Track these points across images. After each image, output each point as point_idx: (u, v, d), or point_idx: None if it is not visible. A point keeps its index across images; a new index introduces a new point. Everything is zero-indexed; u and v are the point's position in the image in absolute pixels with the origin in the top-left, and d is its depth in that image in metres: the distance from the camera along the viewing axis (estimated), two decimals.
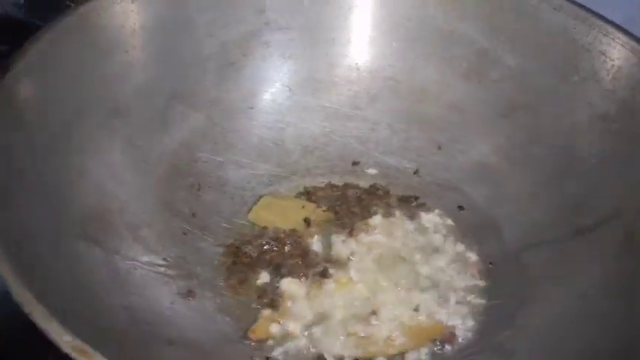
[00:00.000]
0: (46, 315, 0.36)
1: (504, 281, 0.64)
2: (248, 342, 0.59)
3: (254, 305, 0.62)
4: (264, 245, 0.67)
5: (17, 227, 0.47)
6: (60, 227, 0.54)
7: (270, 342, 0.59)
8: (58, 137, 0.59)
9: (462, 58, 0.75)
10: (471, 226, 0.70)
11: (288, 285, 0.63)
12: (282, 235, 0.68)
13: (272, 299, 0.62)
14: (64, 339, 0.35)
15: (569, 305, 0.58)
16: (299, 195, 0.74)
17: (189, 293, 0.62)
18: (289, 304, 0.62)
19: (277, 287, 0.63)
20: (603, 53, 0.65)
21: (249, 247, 0.67)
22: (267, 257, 0.66)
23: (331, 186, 0.75)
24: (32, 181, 0.53)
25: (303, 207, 0.72)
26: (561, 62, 0.68)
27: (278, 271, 0.65)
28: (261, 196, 0.73)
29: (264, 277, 0.64)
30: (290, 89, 0.78)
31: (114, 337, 0.46)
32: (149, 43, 0.69)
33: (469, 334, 0.60)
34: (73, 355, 0.34)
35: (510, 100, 0.73)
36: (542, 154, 0.70)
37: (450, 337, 0.59)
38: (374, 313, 0.61)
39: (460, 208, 0.72)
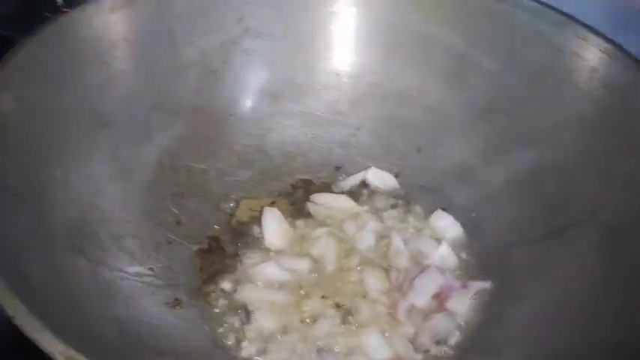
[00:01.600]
0: (39, 327, 0.36)
1: (489, 281, 0.65)
2: (236, 351, 0.59)
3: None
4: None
5: (3, 242, 0.47)
6: (45, 240, 0.54)
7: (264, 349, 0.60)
8: (40, 150, 0.59)
9: (441, 62, 0.76)
10: None
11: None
12: None
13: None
14: (57, 349, 0.35)
15: (552, 303, 0.59)
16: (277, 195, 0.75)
17: (175, 302, 0.62)
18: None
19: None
20: (577, 54, 0.66)
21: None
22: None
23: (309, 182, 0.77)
24: (15, 195, 0.53)
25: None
26: (537, 64, 0.70)
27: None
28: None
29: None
30: (271, 96, 0.79)
31: (104, 347, 0.46)
32: (129, 53, 0.69)
33: (456, 334, 0.61)
34: None
35: (488, 102, 0.74)
36: (521, 154, 0.71)
37: None
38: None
39: (442, 209, 0.73)
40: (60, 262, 0.54)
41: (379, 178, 0.76)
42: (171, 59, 0.73)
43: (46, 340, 0.36)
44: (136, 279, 0.61)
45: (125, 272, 0.60)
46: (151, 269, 0.63)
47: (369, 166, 0.77)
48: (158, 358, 0.52)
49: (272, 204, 0.73)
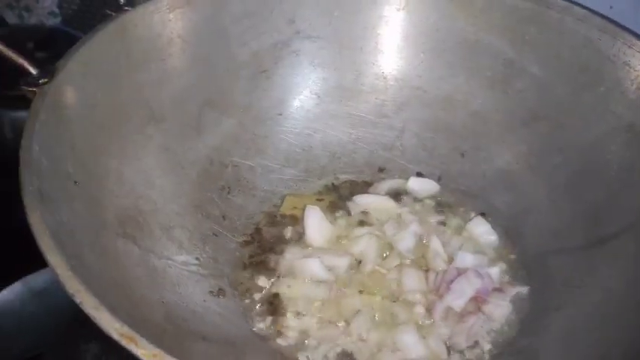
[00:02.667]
0: (96, 304, 0.39)
1: (528, 287, 0.65)
2: (274, 342, 0.62)
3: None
4: None
5: (62, 226, 0.50)
6: (100, 226, 0.57)
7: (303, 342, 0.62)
8: (97, 142, 0.62)
9: (487, 68, 0.76)
10: None
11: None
12: None
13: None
14: (114, 326, 0.37)
15: (590, 312, 0.59)
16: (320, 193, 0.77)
17: (219, 292, 0.64)
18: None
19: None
20: (627, 64, 0.66)
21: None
22: None
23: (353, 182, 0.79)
24: (75, 183, 0.56)
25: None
26: (585, 73, 0.69)
27: None
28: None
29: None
30: (318, 97, 0.81)
31: (152, 330, 0.49)
32: (185, 51, 0.72)
33: (492, 338, 0.62)
34: (122, 342, 0.37)
35: (533, 109, 0.74)
36: (564, 162, 0.71)
37: None
38: None
39: (482, 215, 0.73)
40: (113, 247, 0.57)
41: (420, 185, 0.77)
42: (225, 59, 0.76)
43: (103, 317, 0.38)
44: (183, 267, 0.63)
45: (173, 260, 0.63)
46: (197, 259, 0.66)
47: (412, 169, 0.78)
48: (202, 343, 0.55)
49: (315, 202, 0.75)
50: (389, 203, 0.75)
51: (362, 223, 0.73)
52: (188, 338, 0.54)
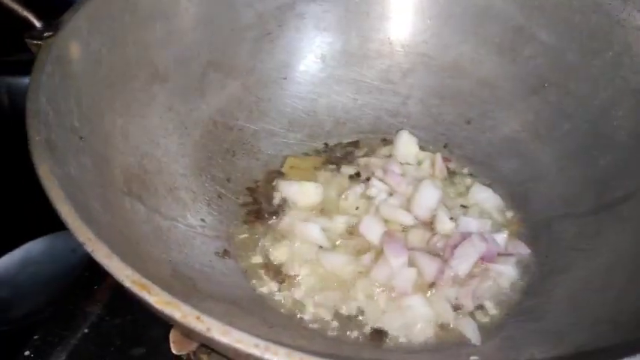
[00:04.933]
0: (107, 252, 0.38)
1: (533, 251, 0.65)
2: (276, 302, 0.61)
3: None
4: None
5: (70, 180, 0.49)
6: (107, 182, 0.56)
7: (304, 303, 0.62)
8: (102, 98, 0.61)
9: (496, 34, 0.75)
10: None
11: None
12: None
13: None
14: (125, 273, 0.37)
15: (598, 274, 0.59)
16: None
17: (225, 253, 0.64)
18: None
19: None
20: (638, 28, 0.65)
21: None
22: None
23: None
24: (81, 138, 0.55)
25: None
26: (595, 38, 0.69)
27: None
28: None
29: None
30: (323, 61, 0.80)
31: (160, 285, 0.48)
32: (190, 11, 0.71)
33: (498, 299, 0.62)
34: (134, 289, 0.36)
35: (542, 76, 0.73)
36: (572, 129, 0.70)
37: None
38: None
39: (484, 184, 0.73)
40: (119, 204, 0.56)
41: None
42: (229, 20, 0.74)
43: (114, 264, 0.38)
44: (188, 228, 0.63)
45: (178, 221, 0.63)
46: (202, 220, 0.65)
47: (417, 134, 0.77)
48: (209, 301, 0.54)
49: (317, 167, 0.74)
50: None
51: (364, 187, 0.72)
52: (195, 296, 0.54)
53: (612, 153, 0.65)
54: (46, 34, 0.56)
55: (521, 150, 0.74)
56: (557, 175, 0.70)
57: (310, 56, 0.80)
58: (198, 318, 0.35)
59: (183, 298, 0.40)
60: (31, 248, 0.88)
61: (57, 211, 0.42)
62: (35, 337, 0.65)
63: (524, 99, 0.75)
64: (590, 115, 0.69)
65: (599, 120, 0.68)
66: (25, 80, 0.56)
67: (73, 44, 0.58)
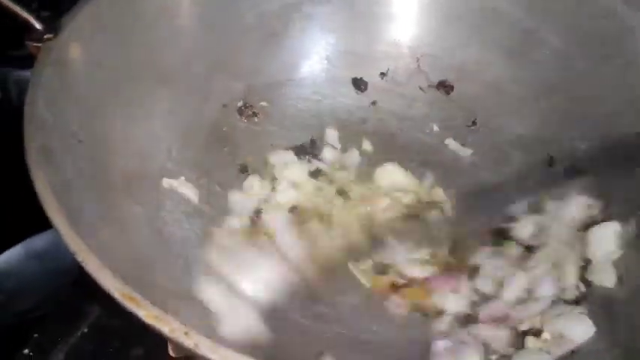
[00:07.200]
0: (99, 264, 0.38)
1: None
2: None
3: None
4: None
5: (66, 186, 0.49)
6: (104, 187, 0.56)
7: None
8: (104, 101, 0.61)
9: (504, 37, 0.74)
10: None
11: None
12: None
13: None
14: (115, 286, 0.37)
15: None
16: None
17: None
18: None
19: None
20: None
21: None
22: None
23: None
24: (80, 142, 0.55)
25: None
26: (605, 44, 0.67)
27: None
28: None
29: None
30: (328, 62, 0.79)
31: (157, 292, 0.48)
32: (194, 12, 0.71)
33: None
34: (123, 302, 0.36)
35: (549, 81, 0.72)
36: (577, 136, 0.69)
37: None
38: None
39: None
40: (118, 209, 0.56)
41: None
42: (234, 20, 0.74)
43: (104, 276, 0.37)
44: (190, 230, 0.63)
45: (179, 225, 0.62)
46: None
47: (422, 138, 0.76)
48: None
49: None
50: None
51: None
52: (194, 299, 0.54)
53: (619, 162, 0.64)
54: (46, 37, 0.56)
55: None
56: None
57: (315, 57, 0.79)
58: (186, 334, 0.35)
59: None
60: (35, 242, 0.88)
61: (50, 219, 0.42)
62: (35, 335, 0.66)
63: (531, 104, 0.74)
64: (595, 124, 0.67)
65: (604, 129, 0.66)
66: None
67: (74, 46, 0.59)
